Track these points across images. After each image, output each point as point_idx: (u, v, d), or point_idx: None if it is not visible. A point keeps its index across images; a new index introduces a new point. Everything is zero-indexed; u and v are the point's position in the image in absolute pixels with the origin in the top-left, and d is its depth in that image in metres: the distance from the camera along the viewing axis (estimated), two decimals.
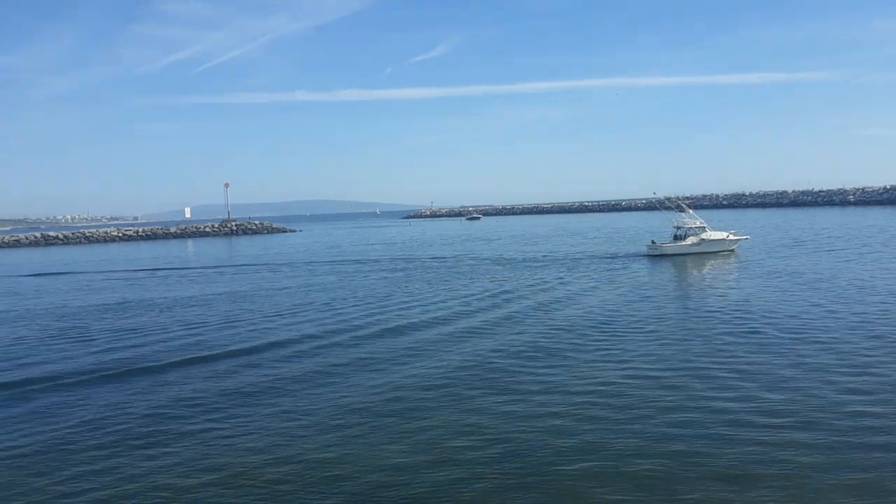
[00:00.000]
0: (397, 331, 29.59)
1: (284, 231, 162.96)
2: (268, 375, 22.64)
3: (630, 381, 20.11)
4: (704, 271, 48.59)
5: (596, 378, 20.54)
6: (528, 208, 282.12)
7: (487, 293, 40.36)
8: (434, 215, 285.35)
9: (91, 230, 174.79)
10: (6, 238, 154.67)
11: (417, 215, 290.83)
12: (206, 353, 26.55)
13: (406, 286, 45.61)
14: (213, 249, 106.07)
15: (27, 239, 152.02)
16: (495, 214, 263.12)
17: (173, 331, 31.93)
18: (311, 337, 28.93)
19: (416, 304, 37.38)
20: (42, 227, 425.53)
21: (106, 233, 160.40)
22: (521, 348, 25.12)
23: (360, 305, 37.55)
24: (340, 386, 20.94)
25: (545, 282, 44.76)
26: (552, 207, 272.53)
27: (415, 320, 31.99)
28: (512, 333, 28.04)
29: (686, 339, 25.58)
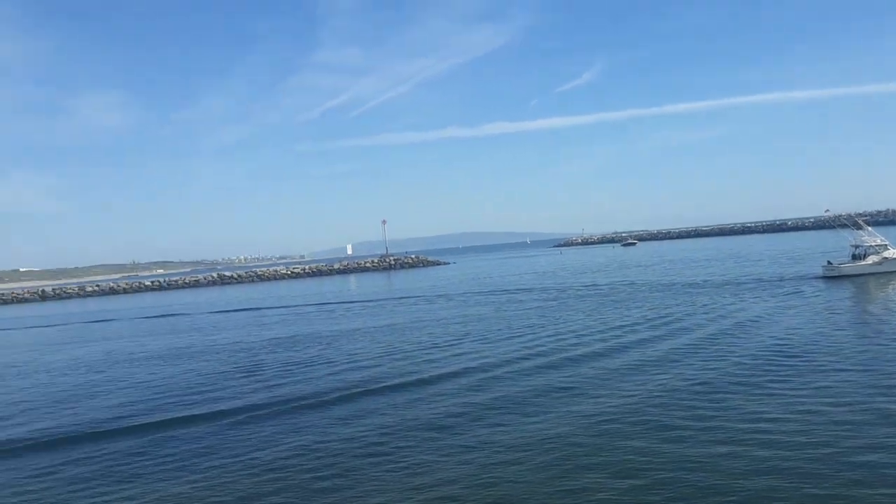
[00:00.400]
0: (556, 364, 29.31)
1: (438, 264, 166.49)
2: (432, 409, 23.10)
3: (807, 418, 18.77)
4: (889, 293, 44.76)
5: (767, 415, 19.33)
6: (685, 232, 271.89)
7: (646, 322, 39.22)
8: (586, 242, 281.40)
9: (262, 269, 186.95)
10: (187, 279, 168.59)
11: (569, 243, 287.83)
12: (372, 386, 27.50)
13: (561, 316, 45.22)
14: (374, 283, 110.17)
15: (206, 279, 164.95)
16: (650, 239, 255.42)
17: (340, 364, 33.41)
18: (471, 370, 29.27)
19: (571, 334, 36.97)
20: (218, 267, 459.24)
21: (275, 271, 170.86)
22: (684, 383, 24.12)
23: (515, 337, 37.63)
24: (502, 421, 21.04)
25: (707, 308, 42.85)
26: (711, 230, 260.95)
27: (572, 353, 31.60)
28: (674, 366, 27.04)
29: (868, 371, 23.62)
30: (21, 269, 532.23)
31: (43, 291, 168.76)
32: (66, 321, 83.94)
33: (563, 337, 36.33)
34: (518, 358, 31.16)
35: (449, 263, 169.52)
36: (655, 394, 22.61)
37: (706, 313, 41.14)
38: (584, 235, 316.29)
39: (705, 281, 62.75)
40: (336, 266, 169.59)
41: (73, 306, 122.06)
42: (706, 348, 30.02)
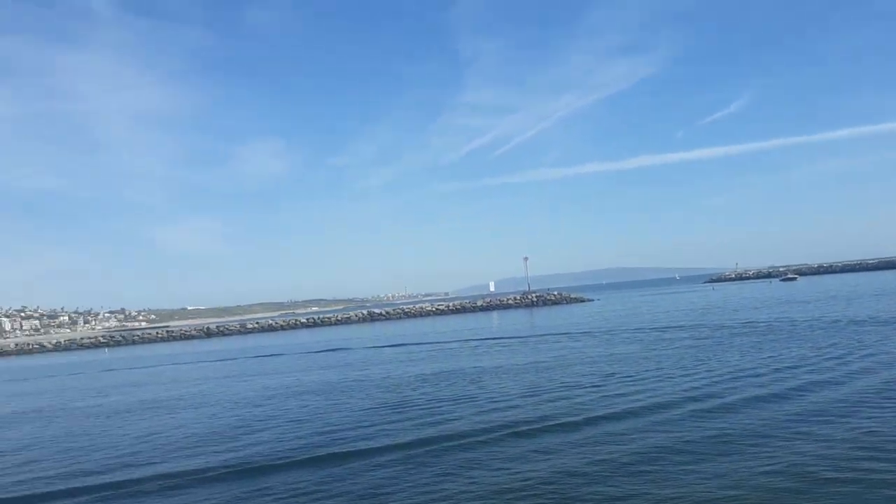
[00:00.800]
0: (711, 410, 27.71)
1: (581, 301, 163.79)
2: (576, 455, 22.45)
3: None
4: None
5: None
6: (849, 265, 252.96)
7: (808, 365, 36.53)
8: (740, 277, 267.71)
9: (409, 306, 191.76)
10: (339, 316, 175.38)
11: (721, 278, 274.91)
12: (515, 428, 27.08)
13: (714, 356, 43.07)
14: (516, 320, 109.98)
15: (356, 316, 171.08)
16: (811, 273, 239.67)
17: (484, 402, 33.30)
18: (618, 414, 28.28)
19: (726, 377, 35.01)
20: (368, 304, 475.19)
21: (421, 308, 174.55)
22: (851, 432, 22.16)
23: (665, 378, 36.17)
24: (652, 471, 20.19)
25: (876, 349, 39.41)
26: (878, 263, 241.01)
27: (728, 398, 29.83)
28: (840, 415, 24.91)
29: None
30: (189, 308, 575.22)
31: (208, 328, 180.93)
32: (230, 356, 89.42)
33: (718, 379, 34.56)
34: (669, 402, 29.86)
35: (593, 300, 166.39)
36: (821, 446, 20.97)
37: (874, 354, 37.90)
38: (738, 270, 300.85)
39: (872, 318, 57.97)
40: (479, 303, 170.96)
41: (234, 342, 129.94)
42: (875, 394, 27.61)
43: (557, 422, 27.58)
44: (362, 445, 26.31)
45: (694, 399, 29.94)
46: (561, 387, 36.33)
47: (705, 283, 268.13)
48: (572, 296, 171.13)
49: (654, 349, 50.26)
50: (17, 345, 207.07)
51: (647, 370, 39.66)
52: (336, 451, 25.80)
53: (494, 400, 33.99)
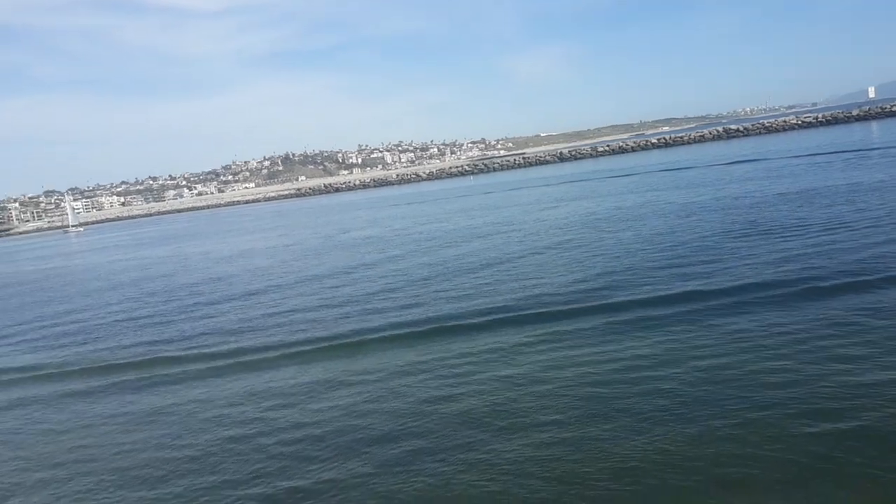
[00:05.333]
0: None
1: None
2: None
3: None
4: None
5: None
6: None
7: None
8: None
9: (769, 120, 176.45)
10: (692, 135, 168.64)
11: None
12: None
13: None
14: None
15: (710, 134, 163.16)
16: None
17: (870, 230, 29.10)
18: None
19: None
20: (723, 121, 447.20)
21: (784, 121, 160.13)
22: None
23: None
24: None
25: None
26: None
27: None
28: None
29: None
30: (542, 134, 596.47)
31: (561, 154, 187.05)
32: (582, 178, 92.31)
33: None
34: None
35: None
36: None
37: None
38: None
39: None
40: (854, 113, 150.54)
41: (587, 165, 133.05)
42: None
43: None
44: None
45: None
46: None
47: None
48: None
49: None
50: (398, 175, 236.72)
51: None
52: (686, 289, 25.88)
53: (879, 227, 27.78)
